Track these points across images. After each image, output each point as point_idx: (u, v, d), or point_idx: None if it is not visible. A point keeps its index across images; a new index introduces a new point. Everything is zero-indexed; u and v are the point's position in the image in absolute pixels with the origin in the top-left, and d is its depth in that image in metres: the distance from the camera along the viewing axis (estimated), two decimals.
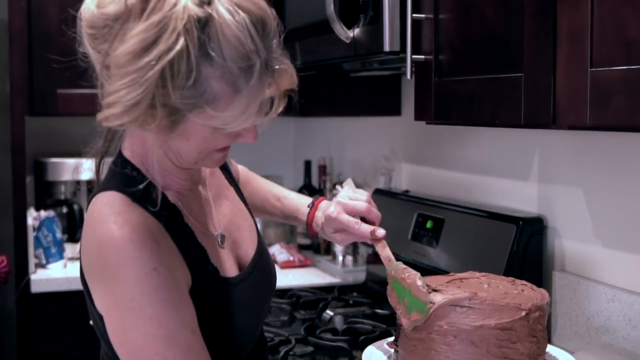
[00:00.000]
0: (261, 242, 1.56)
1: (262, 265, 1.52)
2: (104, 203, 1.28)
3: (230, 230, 1.49)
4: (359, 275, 2.99)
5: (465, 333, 1.37)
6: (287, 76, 1.25)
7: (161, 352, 1.22)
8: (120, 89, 1.15)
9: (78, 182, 3.38)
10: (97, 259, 1.26)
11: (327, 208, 1.65)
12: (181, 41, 1.13)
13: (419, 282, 1.42)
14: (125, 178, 1.32)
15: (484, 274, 1.57)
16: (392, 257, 1.53)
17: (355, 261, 3.06)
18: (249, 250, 1.51)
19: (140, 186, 1.29)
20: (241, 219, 1.54)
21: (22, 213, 3.13)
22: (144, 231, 1.25)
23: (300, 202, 1.76)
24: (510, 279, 1.55)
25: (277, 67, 1.22)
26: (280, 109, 1.28)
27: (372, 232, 1.58)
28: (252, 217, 1.58)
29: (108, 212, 1.26)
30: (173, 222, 1.34)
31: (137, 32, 1.15)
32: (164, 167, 1.33)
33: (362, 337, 2.21)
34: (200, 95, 1.17)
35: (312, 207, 1.71)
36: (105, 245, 1.23)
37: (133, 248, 1.23)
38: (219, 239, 1.44)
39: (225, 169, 1.61)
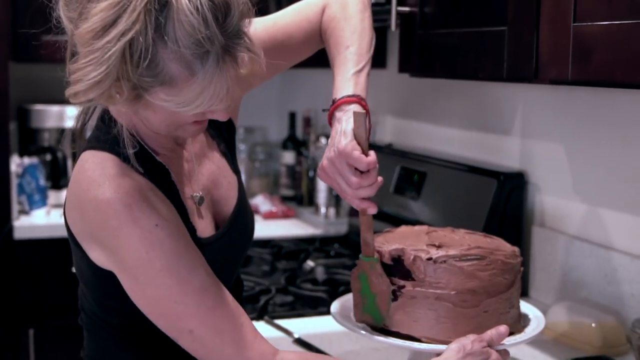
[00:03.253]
0: (241, 199, 1.52)
1: (239, 224, 1.50)
2: (96, 164, 1.29)
3: (209, 189, 1.47)
4: (340, 227, 3.00)
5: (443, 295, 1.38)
6: (252, 63, 1.22)
7: (179, 299, 1.27)
8: (84, 66, 1.16)
9: (62, 130, 3.37)
10: (95, 221, 1.27)
11: (333, 132, 1.40)
12: (140, 21, 1.13)
13: (389, 297, 1.40)
14: (113, 137, 1.31)
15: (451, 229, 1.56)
16: (374, 246, 1.42)
17: (337, 213, 3.07)
18: (225, 209, 1.49)
19: (130, 150, 1.29)
20: (220, 176, 1.51)
21: (6, 159, 3.11)
22: (138, 194, 1.27)
23: (335, 87, 1.45)
24: (483, 234, 1.56)
25: (240, 53, 1.20)
26: (239, 94, 1.30)
27: (363, 209, 1.39)
28: (235, 173, 1.54)
29: (101, 175, 1.28)
30: (162, 180, 1.35)
31: (98, 10, 1.15)
32: (144, 130, 1.35)
33: (341, 288, 2.23)
34: (156, 76, 1.17)
35: (328, 110, 1.44)
36: (103, 210, 1.25)
37: (133, 210, 1.25)
38: (197, 200, 1.43)
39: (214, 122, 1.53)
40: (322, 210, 3.08)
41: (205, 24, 1.15)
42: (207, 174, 1.48)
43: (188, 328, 1.28)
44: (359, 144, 1.34)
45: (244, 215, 1.52)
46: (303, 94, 3.66)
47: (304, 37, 1.57)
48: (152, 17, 1.14)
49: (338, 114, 1.40)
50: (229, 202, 1.49)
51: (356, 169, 1.34)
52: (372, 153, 1.34)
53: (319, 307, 2.13)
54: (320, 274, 2.44)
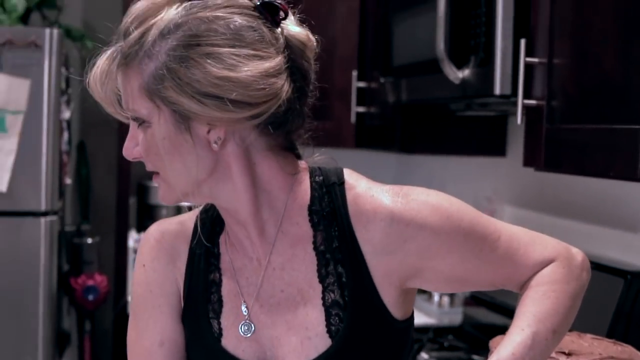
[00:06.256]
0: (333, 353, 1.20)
1: None
2: None
3: (275, 321, 1.24)
4: (455, 317, 2.93)
5: None
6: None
7: (129, 347, 1.31)
8: None
9: (179, 207, 3.42)
10: None
11: None
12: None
13: None
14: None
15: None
16: None
17: (451, 302, 3.00)
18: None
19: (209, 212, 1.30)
20: (299, 290, 1.23)
21: (124, 235, 3.19)
22: (161, 237, 1.30)
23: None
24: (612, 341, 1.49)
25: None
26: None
27: None
28: (321, 282, 1.22)
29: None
30: (205, 258, 1.28)
31: None
32: None
33: None
34: None
35: None
36: None
37: (142, 244, 1.31)
38: (241, 327, 1.24)
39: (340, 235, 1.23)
40: (436, 298, 3.02)
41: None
42: (287, 281, 1.24)
43: None
44: None
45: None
46: (418, 179, 3.63)
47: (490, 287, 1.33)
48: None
49: None
50: (297, 355, 1.22)
51: None
52: None
53: None
54: None
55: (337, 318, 1.20)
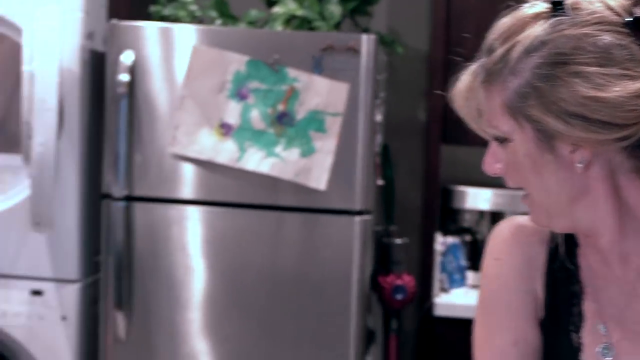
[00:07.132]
0: None
1: None
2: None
3: (638, 350, 1.19)
4: None
5: None
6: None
7: (478, 345, 1.27)
8: None
9: (481, 212, 3.42)
10: None
11: None
12: None
13: None
14: None
15: None
16: None
17: None
18: None
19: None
20: None
21: (430, 237, 3.23)
22: (517, 231, 1.26)
23: None
24: None
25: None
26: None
27: None
28: None
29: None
30: (564, 267, 1.24)
31: None
32: None
33: None
34: None
35: None
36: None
37: (494, 238, 1.28)
38: (601, 348, 1.20)
39: None
40: None
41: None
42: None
43: None
44: None
45: None
46: None
47: None
48: None
49: None
50: None
51: None
52: None
53: None
54: None
55: None
